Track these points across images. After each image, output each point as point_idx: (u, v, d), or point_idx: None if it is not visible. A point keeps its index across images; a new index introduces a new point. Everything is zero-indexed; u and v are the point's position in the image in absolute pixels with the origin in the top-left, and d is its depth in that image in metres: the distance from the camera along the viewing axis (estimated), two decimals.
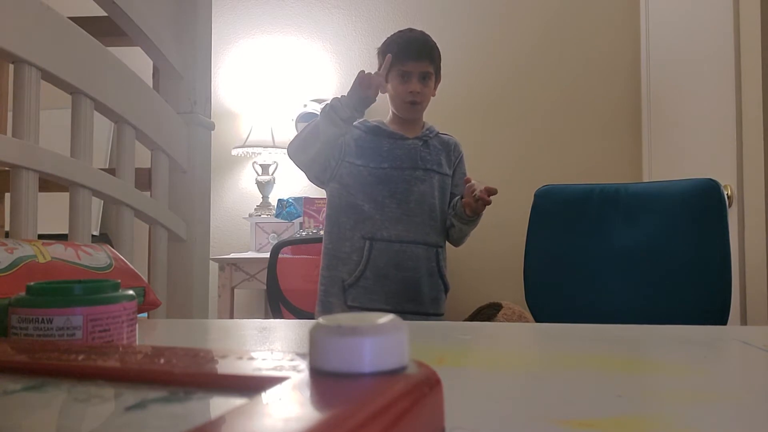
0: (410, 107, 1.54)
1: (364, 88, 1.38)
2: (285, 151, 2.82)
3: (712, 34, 2.07)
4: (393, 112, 1.59)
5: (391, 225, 1.48)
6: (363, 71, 1.39)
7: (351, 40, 2.96)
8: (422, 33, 1.57)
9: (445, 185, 1.58)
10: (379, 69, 1.57)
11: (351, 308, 1.48)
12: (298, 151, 1.52)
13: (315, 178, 1.57)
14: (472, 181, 1.43)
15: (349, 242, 1.49)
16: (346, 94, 1.42)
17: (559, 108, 2.83)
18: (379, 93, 1.58)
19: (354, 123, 1.53)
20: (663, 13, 2.53)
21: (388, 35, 1.59)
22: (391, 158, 1.52)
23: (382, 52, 1.56)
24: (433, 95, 1.60)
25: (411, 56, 1.52)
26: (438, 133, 1.62)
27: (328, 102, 1.44)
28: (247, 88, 2.97)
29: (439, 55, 1.58)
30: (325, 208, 1.63)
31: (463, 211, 1.47)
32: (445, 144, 1.61)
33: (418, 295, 1.49)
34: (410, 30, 1.59)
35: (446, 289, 1.56)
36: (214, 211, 2.83)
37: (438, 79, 1.60)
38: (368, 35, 2.93)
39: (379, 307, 1.45)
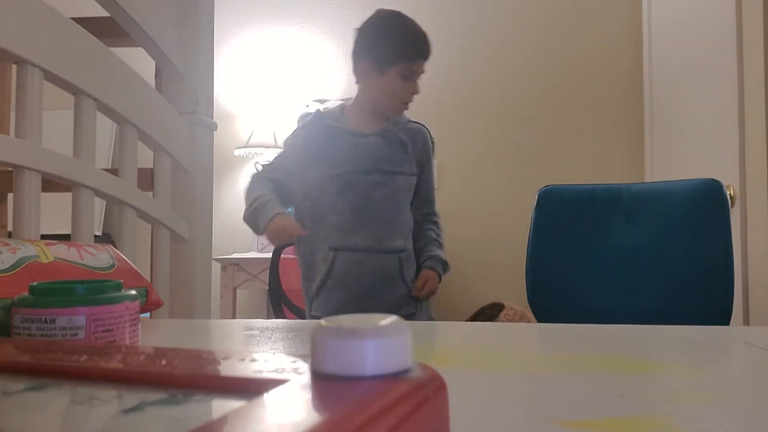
0: (403, 108, 1.44)
1: (275, 243, 1.36)
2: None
3: (714, 34, 2.06)
4: (366, 104, 1.45)
5: (353, 234, 1.40)
6: (278, 226, 1.30)
7: None
8: (419, 26, 1.43)
9: (410, 185, 1.47)
10: (360, 64, 1.42)
11: (314, 318, 1.42)
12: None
13: None
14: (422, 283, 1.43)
15: (320, 253, 1.43)
16: (265, 211, 1.34)
17: (562, 108, 2.83)
18: (354, 83, 1.46)
19: (306, 122, 1.46)
20: (665, 13, 2.52)
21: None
22: (348, 161, 1.40)
23: (387, 48, 1.39)
24: None
25: (421, 55, 1.38)
26: (409, 120, 1.49)
27: (256, 206, 1.36)
28: (249, 89, 2.98)
29: None
30: None
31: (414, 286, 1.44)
32: (412, 136, 1.47)
33: (375, 304, 1.40)
34: (410, 23, 1.41)
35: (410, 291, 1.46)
36: (217, 211, 2.83)
37: None
38: None
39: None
